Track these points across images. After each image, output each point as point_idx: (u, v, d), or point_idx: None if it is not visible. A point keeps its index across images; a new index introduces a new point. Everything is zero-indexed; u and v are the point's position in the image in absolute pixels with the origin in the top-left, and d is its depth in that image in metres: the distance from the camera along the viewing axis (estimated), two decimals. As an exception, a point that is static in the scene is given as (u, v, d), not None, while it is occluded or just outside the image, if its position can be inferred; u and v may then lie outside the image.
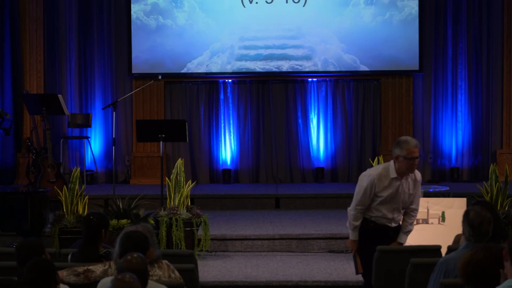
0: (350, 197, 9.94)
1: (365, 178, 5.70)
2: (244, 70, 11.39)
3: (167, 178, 7.95)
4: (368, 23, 11.27)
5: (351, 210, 5.77)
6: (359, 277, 6.52)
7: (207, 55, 11.34)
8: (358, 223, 5.74)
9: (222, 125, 11.50)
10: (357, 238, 5.76)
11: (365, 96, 11.53)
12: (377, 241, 5.67)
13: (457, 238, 5.59)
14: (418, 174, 5.78)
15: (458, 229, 4.87)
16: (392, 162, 5.64)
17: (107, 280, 4.18)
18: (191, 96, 11.56)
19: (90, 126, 11.14)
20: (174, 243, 7.57)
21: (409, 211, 5.78)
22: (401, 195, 5.68)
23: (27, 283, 3.72)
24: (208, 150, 11.52)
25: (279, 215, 9.55)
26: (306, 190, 10.60)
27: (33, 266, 3.80)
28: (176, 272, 4.73)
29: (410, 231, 5.79)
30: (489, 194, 7.59)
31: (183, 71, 11.37)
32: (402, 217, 5.80)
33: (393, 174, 5.62)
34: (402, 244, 5.75)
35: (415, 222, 6.03)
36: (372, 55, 11.26)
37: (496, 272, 3.17)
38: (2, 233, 7.96)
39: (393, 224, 5.76)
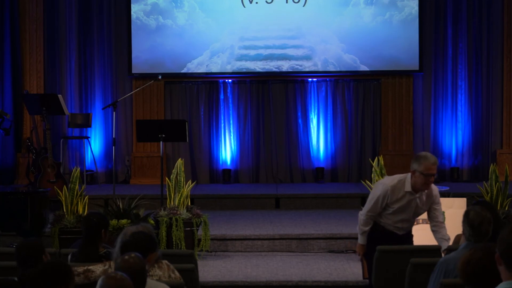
0: (350, 197, 10.06)
1: (380, 186, 5.73)
2: (244, 70, 11.39)
3: (167, 178, 7.95)
4: (368, 23, 11.27)
5: (362, 215, 5.80)
6: (359, 277, 6.53)
7: (207, 55, 11.34)
8: (367, 228, 5.77)
9: (222, 125, 11.50)
10: (365, 242, 5.80)
11: (365, 96, 11.52)
12: (389, 244, 5.71)
13: (457, 238, 5.59)
14: (435, 190, 5.78)
15: (458, 229, 4.87)
16: (409, 175, 5.63)
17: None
18: (191, 96, 11.56)
19: (90, 126, 11.13)
20: (174, 243, 7.58)
21: (438, 224, 5.80)
22: (413, 209, 5.71)
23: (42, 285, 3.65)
24: (208, 150, 11.51)
25: (279, 215, 9.55)
26: (306, 190, 10.60)
27: (49, 268, 3.71)
28: (176, 272, 4.73)
29: (449, 238, 5.80)
30: (489, 194, 7.59)
31: (183, 71, 11.37)
32: (413, 224, 5.86)
33: (408, 187, 5.63)
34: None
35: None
36: (372, 55, 11.25)
37: (496, 271, 3.17)
38: (2, 233, 7.97)
39: (401, 232, 5.80)
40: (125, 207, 7.74)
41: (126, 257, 3.96)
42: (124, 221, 7.46)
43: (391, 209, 5.69)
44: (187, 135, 8.69)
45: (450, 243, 5.77)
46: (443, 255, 5.60)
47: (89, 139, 11.12)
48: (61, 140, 10.96)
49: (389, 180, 5.74)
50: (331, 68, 11.33)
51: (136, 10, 11.33)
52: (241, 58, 11.36)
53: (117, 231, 7.02)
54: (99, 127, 11.46)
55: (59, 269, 3.68)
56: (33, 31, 11.37)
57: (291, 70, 11.36)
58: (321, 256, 7.98)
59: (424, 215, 6.36)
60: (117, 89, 11.50)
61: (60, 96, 9.89)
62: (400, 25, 11.26)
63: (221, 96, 11.51)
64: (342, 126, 11.46)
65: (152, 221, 7.55)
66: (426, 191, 5.69)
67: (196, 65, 11.35)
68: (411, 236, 5.94)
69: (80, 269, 4.79)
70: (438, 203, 5.81)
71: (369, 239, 5.79)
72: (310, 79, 11.50)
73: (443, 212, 7.20)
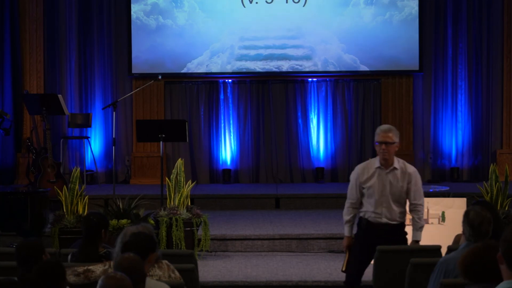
0: (350, 197, 9.98)
1: (353, 172, 5.92)
2: (244, 70, 11.40)
3: (167, 178, 7.95)
4: (368, 23, 11.27)
5: (345, 205, 5.92)
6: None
7: (207, 55, 11.34)
8: (349, 217, 5.87)
9: (222, 125, 11.50)
10: (349, 234, 5.88)
11: (365, 96, 11.53)
12: (373, 242, 5.71)
13: (457, 238, 5.59)
14: (410, 168, 5.83)
15: (458, 229, 4.87)
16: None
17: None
18: (191, 96, 11.56)
19: (90, 126, 11.14)
20: (174, 243, 7.57)
21: (413, 208, 5.81)
22: (387, 187, 5.74)
23: (38, 284, 3.70)
24: (208, 150, 11.52)
25: (279, 215, 9.55)
26: (306, 190, 10.60)
27: (44, 268, 3.77)
28: (176, 272, 4.73)
29: (422, 226, 5.80)
30: (489, 194, 7.59)
31: (183, 71, 11.37)
32: (397, 214, 5.78)
33: (377, 163, 5.78)
34: (417, 241, 5.76)
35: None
36: (372, 55, 11.26)
37: (495, 266, 3.17)
38: (2, 233, 7.96)
39: (384, 220, 5.76)
40: (125, 207, 7.74)
41: (123, 256, 3.96)
42: (124, 221, 7.46)
43: (366, 190, 5.76)
44: (187, 135, 8.69)
45: (409, 239, 5.78)
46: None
47: (89, 139, 11.12)
48: (61, 140, 10.96)
49: (360, 164, 5.97)
50: (331, 68, 11.33)
51: (136, 10, 11.34)
52: (241, 58, 11.37)
53: (117, 231, 7.02)
54: (99, 127, 11.46)
55: (52, 270, 3.72)
56: (33, 31, 11.37)
57: (291, 70, 11.36)
58: (321, 256, 7.98)
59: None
60: (117, 89, 11.50)
61: (60, 96, 9.89)
62: (400, 25, 11.26)
63: (221, 96, 11.52)
64: (342, 126, 11.46)
65: (152, 221, 7.55)
66: (401, 168, 5.75)
67: (196, 65, 11.35)
68: (403, 233, 5.86)
69: (80, 269, 4.78)
70: (415, 184, 5.78)
71: (357, 235, 5.85)
72: (310, 79, 11.50)
73: (443, 212, 7.21)
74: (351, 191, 5.86)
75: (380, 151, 5.72)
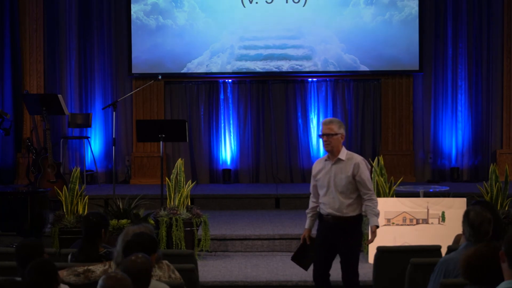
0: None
1: None
2: (244, 70, 11.40)
3: (167, 178, 7.95)
4: (368, 23, 11.28)
5: None
6: (360, 277, 6.52)
7: (207, 55, 11.34)
8: (308, 210, 6.01)
9: (222, 125, 11.51)
10: (308, 226, 6.00)
11: (365, 96, 11.53)
12: (327, 237, 5.79)
13: (457, 238, 5.59)
14: (357, 158, 5.88)
15: (458, 229, 4.87)
16: None
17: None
18: (191, 96, 11.56)
19: (90, 126, 11.14)
20: (174, 243, 7.58)
21: (366, 197, 5.76)
22: (332, 178, 5.79)
23: (30, 284, 3.74)
24: (208, 150, 11.52)
25: (279, 215, 9.55)
26: (306, 190, 10.53)
27: (35, 267, 3.81)
28: (176, 273, 4.73)
29: (377, 214, 5.76)
30: (489, 194, 7.59)
31: (183, 71, 11.37)
32: (344, 206, 5.76)
33: (326, 157, 5.89)
34: (377, 226, 5.74)
35: (414, 222, 6.06)
36: (372, 55, 11.26)
37: (497, 267, 3.17)
38: (2, 233, 7.96)
39: (329, 210, 5.76)
40: (125, 207, 7.74)
41: (133, 257, 3.96)
42: (124, 221, 7.46)
43: (317, 183, 5.87)
44: (187, 135, 8.69)
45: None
46: (370, 233, 5.68)
47: (89, 139, 11.12)
48: (61, 140, 10.96)
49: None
50: (331, 68, 11.34)
51: (136, 10, 11.34)
52: (241, 58, 11.37)
53: (117, 231, 7.02)
54: (99, 127, 11.46)
55: (42, 270, 3.76)
56: (33, 31, 11.37)
57: (291, 70, 11.36)
58: (321, 256, 7.97)
59: (422, 215, 6.28)
60: (117, 89, 11.50)
61: (60, 96, 9.89)
62: (400, 25, 11.26)
63: (221, 96, 11.52)
64: (342, 126, 11.44)
65: (152, 221, 7.55)
66: (348, 158, 5.81)
67: (196, 65, 11.35)
68: (356, 228, 5.78)
69: (80, 269, 4.79)
70: (363, 174, 5.76)
71: (317, 232, 5.93)
72: (310, 79, 11.50)
73: (443, 212, 7.21)
74: (311, 186, 6.00)
75: (323, 143, 5.85)
